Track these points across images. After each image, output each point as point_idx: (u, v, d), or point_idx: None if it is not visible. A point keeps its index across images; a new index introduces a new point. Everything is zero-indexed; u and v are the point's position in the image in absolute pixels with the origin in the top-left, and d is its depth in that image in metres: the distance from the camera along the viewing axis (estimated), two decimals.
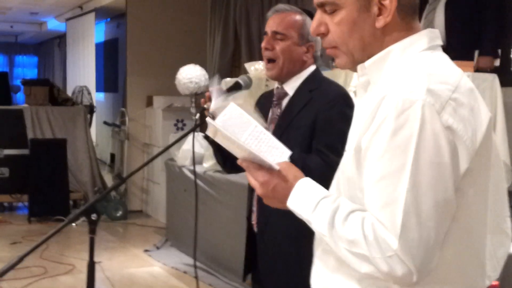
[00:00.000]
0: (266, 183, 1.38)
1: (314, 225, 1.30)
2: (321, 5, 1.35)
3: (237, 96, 1.93)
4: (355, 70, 1.38)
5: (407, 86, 1.21)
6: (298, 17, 2.27)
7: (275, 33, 2.25)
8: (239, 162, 1.44)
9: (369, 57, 1.34)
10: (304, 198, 1.33)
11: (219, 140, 1.46)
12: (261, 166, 1.39)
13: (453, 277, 1.27)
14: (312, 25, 1.40)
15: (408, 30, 1.33)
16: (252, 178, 1.40)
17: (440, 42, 1.36)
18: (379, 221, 1.20)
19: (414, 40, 1.32)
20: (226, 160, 2.30)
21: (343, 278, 1.31)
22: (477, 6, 4.11)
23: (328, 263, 1.36)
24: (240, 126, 1.49)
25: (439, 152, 1.19)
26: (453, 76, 1.27)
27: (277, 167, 1.38)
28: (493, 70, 3.99)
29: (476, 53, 4.13)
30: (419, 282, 1.20)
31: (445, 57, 1.34)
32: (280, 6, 2.34)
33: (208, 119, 1.48)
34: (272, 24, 2.27)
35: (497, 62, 4.18)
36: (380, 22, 1.31)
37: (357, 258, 1.22)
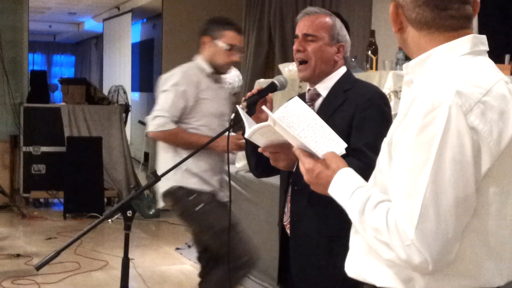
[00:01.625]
0: (311, 170, 1.51)
1: (348, 211, 1.41)
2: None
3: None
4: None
5: (437, 88, 1.30)
6: (328, 18, 2.29)
7: (306, 35, 2.27)
8: (294, 149, 1.58)
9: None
10: (343, 186, 1.44)
11: (278, 129, 1.64)
12: (310, 155, 1.53)
13: (469, 272, 1.34)
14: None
15: (430, 40, 1.43)
16: (301, 165, 1.54)
17: (484, 47, 1.43)
18: (400, 211, 1.28)
19: (455, 44, 1.40)
20: (258, 163, 2.31)
21: (375, 260, 1.41)
22: (508, 10, 4.06)
23: (360, 246, 1.46)
24: (300, 117, 1.67)
25: (462, 151, 1.26)
26: (487, 80, 1.34)
27: (321, 156, 1.51)
28: None
29: (507, 57, 4.08)
30: (436, 271, 1.28)
31: (486, 62, 1.41)
32: (310, 8, 2.35)
33: (268, 111, 1.68)
34: (302, 26, 2.29)
35: None
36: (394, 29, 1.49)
37: (381, 244, 1.32)
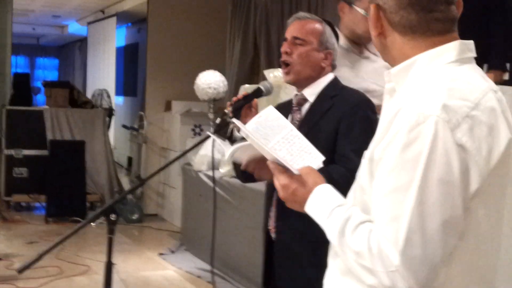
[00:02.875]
0: (286, 186, 1.42)
1: (327, 232, 1.33)
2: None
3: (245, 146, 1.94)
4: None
5: (423, 100, 1.21)
6: (318, 25, 2.31)
7: (294, 38, 2.28)
8: (268, 163, 1.49)
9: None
10: (320, 204, 1.36)
11: (250, 141, 1.53)
12: (286, 169, 1.44)
13: None
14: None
15: (414, 46, 1.33)
16: (276, 181, 1.45)
17: (471, 54, 1.35)
18: (383, 235, 1.20)
19: (442, 51, 1.31)
20: (245, 170, 2.31)
21: (353, 282, 1.31)
22: (485, 21, 4.10)
23: (339, 266, 1.38)
24: (275, 128, 1.56)
25: (449, 170, 1.18)
26: (475, 92, 1.25)
27: (296, 172, 1.41)
28: (502, 83, 3.98)
29: (485, 67, 4.12)
30: None
31: (474, 71, 1.32)
32: (301, 13, 2.37)
33: (239, 124, 1.54)
34: (292, 30, 2.31)
35: (506, 76, 4.16)
36: (373, 32, 1.38)
37: (363, 269, 1.23)
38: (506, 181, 1.30)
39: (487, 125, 1.23)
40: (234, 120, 1.66)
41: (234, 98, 2.21)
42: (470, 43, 1.35)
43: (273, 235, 2.28)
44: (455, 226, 1.20)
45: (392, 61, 1.38)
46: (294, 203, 1.43)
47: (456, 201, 1.19)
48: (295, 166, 1.44)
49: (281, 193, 1.44)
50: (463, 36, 1.36)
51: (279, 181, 1.43)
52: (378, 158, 1.24)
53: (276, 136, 1.53)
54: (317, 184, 1.39)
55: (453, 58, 1.31)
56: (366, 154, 1.33)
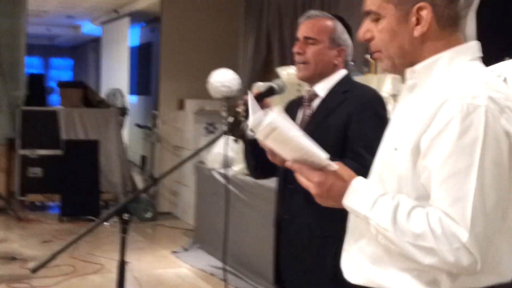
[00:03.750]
0: (323, 183, 1.41)
1: (373, 221, 1.36)
2: (367, 13, 1.47)
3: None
4: (397, 73, 1.50)
5: (470, 92, 1.31)
6: (329, 22, 2.30)
7: (306, 38, 2.28)
8: (288, 164, 1.45)
9: (411, 63, 1.44)
10: (362, 196, 1.40)
11: (270, 142, 1.44)
12: (312, 167, 1.41)
13: (495, 268, 1.37)
14: (359, 31, 1.50)
15: (448, 41, 1.42)
16: (305, 179, 1.43)
17: (479, 53, 1.45)
18: (448, 216, 1.29)
19: (462, 50, 1.42)
20: (257, 165, 2.31)
21: (391, 265, 1.40)
22: (508, 14, 4.07)
23: (366, 255, 1.45)
24: (289, 127, 1.48)
25: (500, 154, 1.30)
26: (502, 86, 1.38)
27: (335, 167, 1.41)
28: None
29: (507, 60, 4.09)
30: (482, 271, 1.31)
31: (484, 68, 1.44)
32: (312, 12, 2.36)
33: (262, 117, 1.43)
34: (303, 29, 2.30)
35: None
36: (417, 32, 1.41)
37: (421, 250, 1.30)
38: None
39: None
40: (261, 116, 1.49)
41: (245, 97, 2.20)
42: (478, 44, 1.46)
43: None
44: (504, 204, 1.32)
45: (415, 62, 1.44)
46: (328, 199, 1.43)
47: (505, 181, 1.31)
48: (329, 162, 1.40)
49: (314, 190, 1.42)
50: (486, 29, 1.41)
51: (313, 178, 1.41)
52: (427, 147, 1.33)
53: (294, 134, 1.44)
54: (353, 177, 1.43)
55: (473, 56, 1.43)
56: (402, 145, 1.38)
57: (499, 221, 1.32)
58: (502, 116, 1.30)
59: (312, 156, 1.41)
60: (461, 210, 1.28)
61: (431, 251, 1.30)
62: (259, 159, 2.19)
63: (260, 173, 2.33)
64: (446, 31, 1.42)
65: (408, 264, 1.36)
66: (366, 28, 1.48)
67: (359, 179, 1.43)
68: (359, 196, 1.40)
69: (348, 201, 1.41)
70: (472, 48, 1.44)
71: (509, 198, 1.34)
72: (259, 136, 1.44)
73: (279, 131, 1.39)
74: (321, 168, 1.42)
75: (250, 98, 1.83)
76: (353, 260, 1.49)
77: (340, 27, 2.31)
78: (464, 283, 1.35)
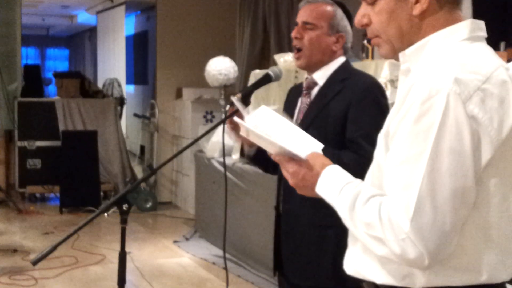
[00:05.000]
0: (296, 173, 1.45)
1: (337, 208, 1.36)
2: None
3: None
4: (397, 59, 1.42)
5: (435, 75, 1.25)
6: (329, 7, 2.27)
7: (305, 23, 2.26)
8: (272, 157, 1.52)
9: (408, 45, 1.37)
10: (330, 184, 1.39)
11: (252, 139, 1.57)
12: (292, 158, 1.48)
13: (471, 266, 1.29)
14: (356, 16, 1.45)
15: (447, 18, 1.35)
16: (284, 170, 1.48)
17: (483, 33, 1.37)
18: (395, 204, 1.24)
19: (454, 30, 1.34)
20: (268, 166, 2.30)
21: (370, 259, 1.37)
22: None
23: (356, 246, 1.42)
24: (272, 124, 1.60)
25: (460, 140, 1.21)
26: (487, 67, 1.28)
27: (303, 157, 1.45)
28: None
29: (503, 44, 4.07)
30: (432, 266, 1.24)
31: (486, 49, 1.35)
32: None
33: (239, 121, 1.58)
34: (302, 14, 2.28)
35: None
36: (416, 9, 1.34)
37: (374, 240, 1.27)
38: None
39: (498, 97, 1.25)
40: (236, 118, 1.68)
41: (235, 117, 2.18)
42: (481, 22, 1.37)
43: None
44: (466, 196, 1.23)
45: (410, 42, 1.38)
46: (304, 188, 1.46)
47: (468, 171, 1.22)
48: (301, 153, 1.47)
49: (291, 181, 1.47)
50: (480, 13, 1.36)
51: (288, 169, 1.46)
52: (393, 132, 1.28)
53: (275, 131, 1.57)
54: (325, 166, 1.43)
55: (466, 35, 1.34)
56: (382, 130, 1.36)
57: (461, 211, 1.23)
58: (471, 100, 1.21)
59: (286, 150, 1.47)
60: (406, 198, 1.22)
61: (381, 241, 1.25)
62: (267, 161, 2.18)
63: (273, 170, 2.33)
64: (446, 7, 1.35)
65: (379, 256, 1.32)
66: (363, 13, 1.43)
67: (330, 168, 1.42)
68: (328, 184, 1.39)
69: (319, 190, 1.42)
70: (467, 27, 1.34)
71: (483, 189, 1.26)
72: (243, 134, 1.56)
73: (252, 131, 1.53)
74: (298, 160, 1.46)
75: (237, 102, 1.92)
76: (348, 251, 1.48)
77: (340, 13, 2.28)
78: (438, 280, 1.28)
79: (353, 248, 1.44)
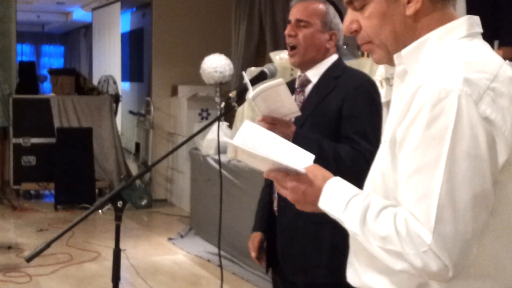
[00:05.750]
0: (296, 188, 1.35)
1: (346, 224, 1.28)
2: (350, 2, 1.35)
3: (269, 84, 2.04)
4: (392, 63, 1.35)
5: (443, 76, 1.18)
6: (321, 5, 2.28)
7: (298, 20, 2.27)
8: (265, 175, 1.41)
9: (403, 47, 1.31)
10: (335, 198, 1.31)
11: (241, 158, 1.47)
12: (287, 173, 1.37)
13: (490, 273, 1.23)
14: (344, 23, 1.39)
15: (441, 16, 1.30)
16: (281, 187, 1.38)
17: (479, 29, 1.31)
18: (413, 215, 1.17)
19: (452, 27, 1.29)
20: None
21: (376, 272, 1.31)
22: None
23: (361, 260, 1.36)
24: (259, 140, 1.51)
25: (476, 144, 1.15)
26: (492, 64, 1.23)
27: (303, 171, 1.35)
28: None
29: (496, 43, 4.07)
30: (455, 277, 1.17)
31: (485, 45, 1.30)
32: None
33: (226, 139, 1.50)
34: (295, 12, 2.29)
35: None
36: (410, 9, 1.28)
37: (390, 255, 1.20)
38: None
39: (508, 96, 1.20)
40: (225, 138, 1.59)
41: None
42: (477, 18, 1.32)
43: (277, 214, 2.30)
44: (486, 201, 1.17)
45: (405, 43, 1.32)
46: (305, 204, 1.37)
47: (485, 175, 1.16)
48: (297, 166, 1.37)
49: (290, 196, 1.37)
50: (473, 11, 1.32)
51: (286, 185, 1.36)
52: (401, 138, 1.21)
53: (263, 146, 1.49)
54: (326, 179, 1.34)
55: (464, 33, 1.28)
56: (385, 137, 1.29)
57: (482, 217, 1.17)
58: (483, 100, 1.16)
59: (281, 165, 1.37)
60: (425, 208, 1.16)
61: (399, 256, 1.18)
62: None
63: None
64: (439, 5, 1.29)
65: (393, 270, 1.24)
66: (351, 19, 1.35)
67: (333, 180, 1.33)
68: (333, 198, 1.31)
69: (323, 205, 1.33)
70: (465, 23, 1.28)
71: (500, 192, 1.20)
72: (230, 155, 1.47)
73: (242, 149, 1.42)
74: (296, 174, 1.36)
75: (245, 76, 1.93)
76: (352, 263, 1.41)
77: (332, 10, 2.29)
78: None
79: (355, 260, 1.38)
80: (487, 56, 1.26)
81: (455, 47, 1.26)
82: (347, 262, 1.44)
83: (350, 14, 1.36)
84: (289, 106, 2.09)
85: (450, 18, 1.30)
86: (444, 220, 1.15)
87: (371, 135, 2.00)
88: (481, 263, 1.21)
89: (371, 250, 1.24)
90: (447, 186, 1.15)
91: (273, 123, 2.09)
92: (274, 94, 2.05)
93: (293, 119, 2.17)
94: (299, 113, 2.14)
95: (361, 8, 1.33)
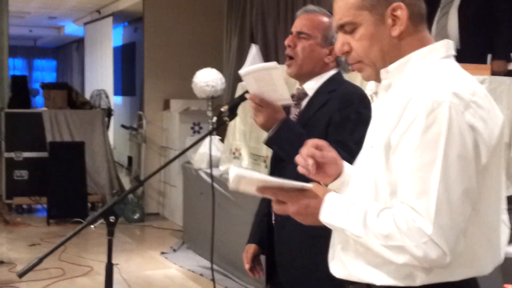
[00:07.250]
0: (298, 200, 1.49)
1: (348, 231, 1.41)
2: (341, 27, 1.52)
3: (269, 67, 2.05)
4: (379, 80, 1.53)
5: (433, 89, 1.36)
6: (325, 19, 2.29)
7: (299, 32, 2.27)
8: (274, 208, 1.52)
9: (389, 64, 1.49)
10: (335, 209, 1.44)
11: (243, 188, 1.53)
12: (288, 191, 1.49)
13: (469, 262, 1.41)
14: (336, 45, 1.55)
15: (422, 37, 1.50)
16: (281, 206, 1.51)
17: (453, 52, 1.51)
18: (414, 210, 1.33)
19: (433, 48, 1.48)
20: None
21: (364, 263, 1.45)
22: (490, 10, 4.07)
23: (347, 252, 1.50)
24: (255, 175, 1.54)
25: (464, 147, 1.34)
26: (471, 81, 1.42)
27: (310, 186, 1.48)
28: (506, 73, 3.96)
29: (489, 56, 4.10)
30: (451, 262, 1.33)
31: (458, 66, 1.49)
32: (310, 7, 2.36)
33: (235, 170, 1.51)
34: (298, 24, 2.29)
35: (510, 66, 4.14)
36: (395, 31, 1.48)
37: (393, 251, 1.34)
38: (501, 155, 1.47)
39: (486, 108, 1.39)
40: (233, 168, 1.57)
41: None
42: (451, 42, 1.52)
43: (274, 225, 2.30)
44: (472, 197, 1.36)
45: (390, 60, 1.49)
46: (306, 216, 1.50)
47: (471, 173, 1.35)
48: (302, 184, 1.47)
49: (292, 208, 1.49)
50: (466, 26, 1.44)
51: (286, 198, 1.49)
52: (396, 143, 1.38)
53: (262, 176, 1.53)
54: (326, 192, 1.48)
55: (443, 54, 1.48)
56: (377, 142, 1.44)
57: (469, 213, 1.36)
58: (467, 111, 1.35)
59: (288, 184, 1.47)
60: (425, 203, 1.32)
61: (401, 249, 1.33)
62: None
63: None
64: (419, 27, 1.49)
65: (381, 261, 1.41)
66: (342, 41, 1.52)
67: (332, 194, 1.47)
68: (333, 210, 1.44)
69: (324, 217, 1.46)
70: (444, 46, 1.49)
71: (479, 191, 1.37)
72: (232, 188, 1.52)
73: (248, 178, 1.50)
74: (301, 190, 1.48)
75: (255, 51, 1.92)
76: (337, 256, 1.54)
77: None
78: (438, 276, 1.38)
79: (342, 254, 1.51)
80: (465, 74, 1.46)
81: (439, 65, 1.46)
82: (329, 255, 1.59)
83: (341, 37, 1.53)
84: (280, 91, 2.10)
85: (428, 40, 1.50)
86: (442, 212, 1.32)
87: (352, 146, 1.99)
88: (461, 254, 1.38)
89: (375, 250, 1.38)
90: (443, 183, 1.32)
91: (260, 105, 2.09)
92: (268, 77, 2.06)
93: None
94: (290, 102, 2.15)
95: (351, 32, 1.50)
